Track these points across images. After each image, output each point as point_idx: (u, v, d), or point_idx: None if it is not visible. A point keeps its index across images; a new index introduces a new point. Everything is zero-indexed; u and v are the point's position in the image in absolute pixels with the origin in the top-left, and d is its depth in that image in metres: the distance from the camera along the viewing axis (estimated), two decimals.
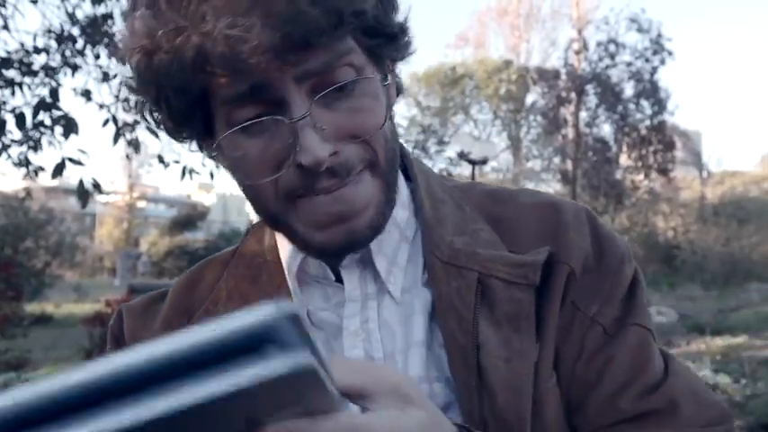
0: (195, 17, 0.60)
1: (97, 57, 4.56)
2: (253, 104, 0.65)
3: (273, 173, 0.68)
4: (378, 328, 0.75)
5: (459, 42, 27.81)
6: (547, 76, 18.14)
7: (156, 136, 4.35)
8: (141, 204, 48.59)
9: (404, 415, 0.48)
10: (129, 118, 4.76)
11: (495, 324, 0.71)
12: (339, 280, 0.77)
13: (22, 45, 4.40)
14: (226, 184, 67.91)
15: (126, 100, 4.71)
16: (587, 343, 0.73)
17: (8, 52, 4.36)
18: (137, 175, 37.61)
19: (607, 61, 17.57)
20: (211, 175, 4.60)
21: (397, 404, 0.48)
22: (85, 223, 43.48)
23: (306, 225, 0.70)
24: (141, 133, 4.79)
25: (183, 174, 4.42)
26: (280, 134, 0.66)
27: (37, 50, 4.23)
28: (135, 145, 4.66)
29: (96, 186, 3.74)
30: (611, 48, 17.55)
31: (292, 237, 0.74)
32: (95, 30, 4.51)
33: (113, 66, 4.60)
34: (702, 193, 27.92)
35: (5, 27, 4.17)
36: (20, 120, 3.90)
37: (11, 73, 4.27)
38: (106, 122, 4.43)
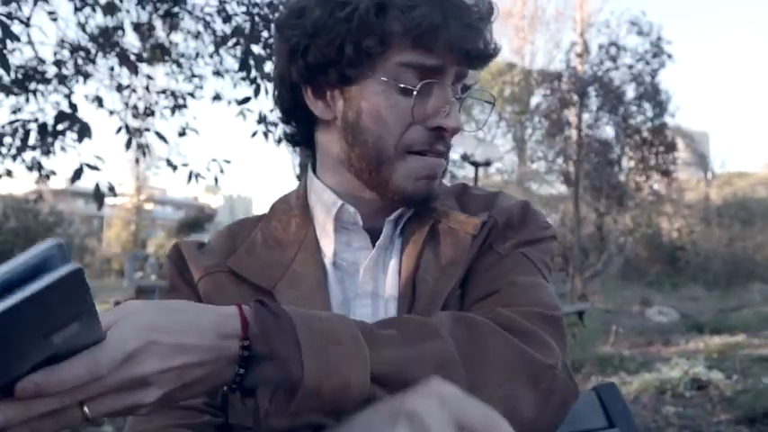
0: None
1: (111, 69, 4.73)
2: (420, 73, 0.85)
3: (405, 128, 0.87)
4: (383, 270, 0.93)
5: None
6: (549, 79, 18.23)
7: (164, 140, 4.55)
8: (149, 207, 48.62)
9: (137, 314, 0.60)
10: (138, 123, 4.96)
11: (435, 255, 0.91)
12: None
13: (37, 55, 4.59)
14: (232, 187, 67.87)
15: (135, 107, 4.91)
16: (485, 262, 0.93)
17: (25, 63, 4.55)
18: (144, 177, 37.73)
19: (608, 64, 17.62)
20: (216, 180, 4.80)
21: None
22: (93, 225, 43.64)
23: (404, 175, 0.89)
24: (149, 137, 4.98)
25: (190, 178, 4.61)
26: (431, 102, 0.86)
27: (57, 63, 4.40)
28: (144, 149, 4.86)
29: (111, 189, 3.93)
30: (612, 50, 17.60)
31: (385, 182, 0.90)
32: (106, 40, 4.70)
33: (125, 76, 4.77)
34: (707, 194, 27.93)
35: (29, 42, 4.34)
36: (42, 130, 4.08)
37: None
38: (119, 130, 4.61)
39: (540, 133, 20.06)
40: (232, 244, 0.96)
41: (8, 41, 3.37)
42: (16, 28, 3.86)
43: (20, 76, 4.44)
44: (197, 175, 4.68)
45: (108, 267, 35.35)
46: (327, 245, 0.94)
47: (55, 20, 4.50)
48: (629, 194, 18.49)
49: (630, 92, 17.95)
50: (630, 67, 17.65)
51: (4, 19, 3.31)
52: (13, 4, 4.02)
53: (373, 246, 0.94)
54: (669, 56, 17.61)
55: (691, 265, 22.58)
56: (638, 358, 8.30)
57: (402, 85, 0.85)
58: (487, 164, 14.92)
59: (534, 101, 20.64)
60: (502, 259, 0.92)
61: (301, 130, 0.98)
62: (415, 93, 0.85)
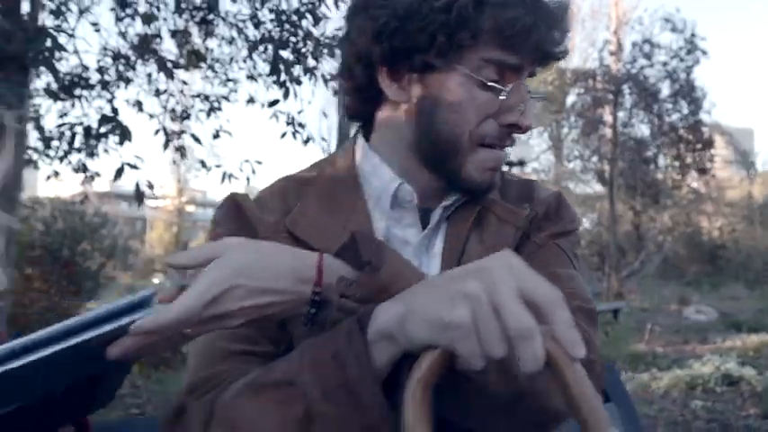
0: None
1: (149, 76, 4.96)
2: (500, 69, 0.88)
3: (480, 121, 0.90)
4: (428, 251, 0.97)
5: None
6: (583, 77, 18.10)
7: (199, 142, 4.77)
8: (190, 209, 49.26)
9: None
10: (176, 126, 5.20)
11: (480, 241, 0.96)
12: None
13: (81, 62, 4.85)
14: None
15: (173, 110, 5.15)
16: (523, 252, 0.96)
17: (71, 70, 4.81)
18: (185, 180, 38.32)
19: (643, 61, 17.43)
20: (248, 180, 5.01)
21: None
22: (137, 227, 44.51)
23: (475, 166, 0.92)
24: (186, 139, 5.21)
25: (223, 178, 4.83)
26: (508, 99, 0.89)
27: (99, 70, 4.65)
28: (181, 151, 5.09)
29: (150, 187, 4.17)
30: (647, 48, 17.41)
31: (455, 171, 0.93)
32: (145, 47, 4.94)
33: (162, 81, 4.99)
34: (749, 192, 27.35)
35: (75, 51, 4.58)
36: (87, 133, 4.33)
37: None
38: (157, 132, 4.85)
39: (576, 132, 19.87)
40: (284, 202, 0.97)
41: (56, 52, 3.61)
42: (63, 39, 4.11)
43: (66, 82, 4.70)
44: (230, 176, 4.89)
45: (151, 268, 36.00)
46: (379, 218, 0.97)
47: (98, 30, 4.75)
48: (665, 193, 18.24)
49: (665, 89, 17.72)
50: (665, 64, 17.42)
51: (52, 31, 3.56)
52: (61, 17, 4.28)
53: (423, 226, 0.97)
54: (704, 52, 17.35)
55: (732, 264, 22.16)
56: (672, 355, 8.28)
57: (484, 80, 0.88)
58: (521, 163, 14.94)
59: (570, 100, 20.46)
60: (539, 249, 0.96)
61: (363, 106, 1.00)
62: (495, 89, 0.88)
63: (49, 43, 3.52)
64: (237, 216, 0.95)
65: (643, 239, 19.25)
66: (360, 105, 1.00)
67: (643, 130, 18.20)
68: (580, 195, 21.87)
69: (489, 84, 0.88)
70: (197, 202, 52.73)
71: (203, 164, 5.04)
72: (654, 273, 20.09)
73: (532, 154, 22.32)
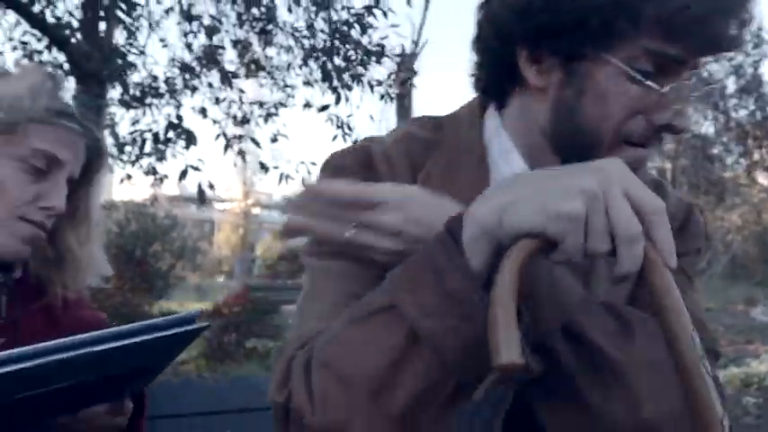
0: None
1: (210, 85, 5.33)
2: (657, 61, 0.77)
3: (628, 117, 0.79)
4: None
5: None
6: None
7: (258, 145, 5.09)
8: (256, 211, 50.12)
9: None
10: (238, 131, 5.55)
11: None
12: None
13: (151, 74, 5.25)
14: None
15: (234, 116, 5.50)
16: None
17: (141, 81, 5.22)
18: (251, 182, 39.18)
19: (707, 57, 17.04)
20: (303, 182, 5.31)
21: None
22: (205, 229, 45.74)
23: None
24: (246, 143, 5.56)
25: (281, 179, 5.14)
26: (664, 96, 0.78)
27: (167, 81, 5.04)
28: (242, 154, 5.44)
29: (211, 187, 4.53)
30: None
31: None
32: (209, 57, 5.30)
33: (223, 89, 5.36)
34: None
35: (145, 65, 5.00)
36: (156, 138, 4.72)
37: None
38: (218, 137, 5.21)
39: None
40: (410, 165, 0.91)
41: (127, 70, 4.00)
42: (133, 56, 4.53)
43: (138, 92, 5.11)
44: (287, 177, 5.21)
45: (219, 269, 36.88)
46: None
47: (165, 46, 5.14)
48: (731, 191, 17.76)
49: (731, 85, 17.29)
50: (731, 59, 17.01)
51: (125, 50, 3.96)
52: (132, 36, 4.70)
53: None
54: None
55: None
56: (731, 354, 8.18)
57: (636, 73, 0.77)
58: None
59: None
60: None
61: (495, 82, 0.92)
62: (649, 83, 0.78)
63: (121, 61, 3.91)
64: (368, 166, 0.91)
65: (710, 239, 18.74)
66: (491, 81, 0.93)
67: (707, 127, 17.80)
68: None
69: (641, 78, 0.78)
70: (262, 205, 53.75)
71: (262, 165, 5.37)
72: (721, 272, 19.57)
73: None
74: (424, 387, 0.66)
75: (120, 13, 4.49)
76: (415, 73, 6.83)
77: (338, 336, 0.70)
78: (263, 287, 15.34)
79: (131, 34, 4.71)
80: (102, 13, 4.42)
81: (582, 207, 0.59)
